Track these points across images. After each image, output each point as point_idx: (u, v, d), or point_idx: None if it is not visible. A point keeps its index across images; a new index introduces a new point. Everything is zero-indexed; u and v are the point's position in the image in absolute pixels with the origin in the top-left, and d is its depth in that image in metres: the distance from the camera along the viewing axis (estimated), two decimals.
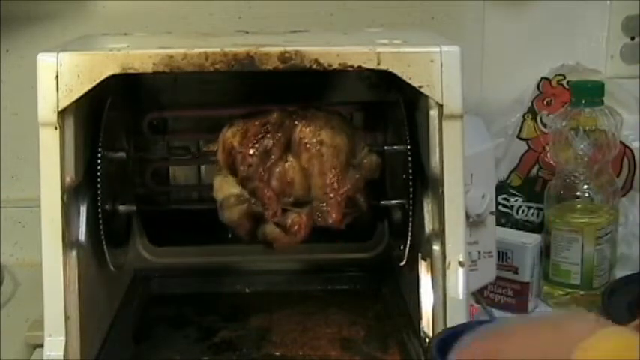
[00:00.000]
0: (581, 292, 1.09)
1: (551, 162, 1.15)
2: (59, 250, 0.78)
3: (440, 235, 0.81)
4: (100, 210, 0.87)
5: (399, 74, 0.79)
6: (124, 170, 1.00)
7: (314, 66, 0.79)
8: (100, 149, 0.87)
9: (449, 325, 0.79)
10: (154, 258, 1.11)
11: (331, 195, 0.89)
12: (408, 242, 0.91)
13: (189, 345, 0.95)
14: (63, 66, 0.77)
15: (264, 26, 1.16)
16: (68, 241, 0.79)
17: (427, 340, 0.83)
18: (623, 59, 1.29)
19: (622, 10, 1.28)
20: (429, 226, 0.85)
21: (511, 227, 1.17)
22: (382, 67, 0.79)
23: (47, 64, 0.78)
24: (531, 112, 1.23)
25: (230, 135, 0.91)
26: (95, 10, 1.21)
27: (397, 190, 0.96)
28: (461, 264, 0.80)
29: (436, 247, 0.82)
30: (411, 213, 0.90)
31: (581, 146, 1.08)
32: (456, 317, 0.80)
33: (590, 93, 1.08)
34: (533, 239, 1.09)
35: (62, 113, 0.78)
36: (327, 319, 1.00)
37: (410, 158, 0.89)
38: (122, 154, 0.96)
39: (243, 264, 1.09)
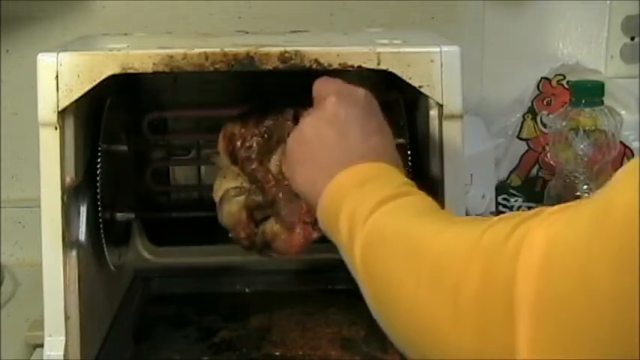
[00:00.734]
0: None
1: (551, 162, 1.15)
2: (59, 250, 0.78)
3: None
4: (100, 210, 0.87)
5: (399, 74, 0.79)
6: (124, 170, 1.00)
7: (314, 66, 0.79)
8: (100, 149, 0.87)
9: None
10: (154, 258, 1.11)
11: None
12: None
13: (189, 345, 0.95)
14: (63, 66, 0.77)
15: (264, 26, 1.16)
16: (68, 241, 0.79)
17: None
18: (623, 59, 1.29)
19: (622, 10, 1.28)
20: None
21: None
22: (382, 67, 0.79)
23: (47, 64, 0.77)
24: (531, 112, 1.23)
25: (230, 124, 0.91)
26: (95, 10, 1.20)
27: None
28: None
29: None
30: None
31: (581, 146, 1.08)
32: None
33: (590, 93, 1.08)
34: None
35: (62, 113, 0.78)
36: (327, 319, 1.00)
37: (409, 152, 0.89)
38: (124, 147, 0.96)
39: (243, 264, 1.09)
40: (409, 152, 0.89)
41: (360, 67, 0.79)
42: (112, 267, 0.92)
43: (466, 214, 0.84)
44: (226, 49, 0.78)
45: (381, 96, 1.01)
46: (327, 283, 1.09)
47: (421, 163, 0.86)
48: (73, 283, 0.79)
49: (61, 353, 0.78)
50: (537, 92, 1.24)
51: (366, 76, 1.02)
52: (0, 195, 1.22)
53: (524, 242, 0.45)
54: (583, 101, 1.08)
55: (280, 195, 0.89)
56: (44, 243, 0.78)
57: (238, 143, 0.90)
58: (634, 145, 1.19)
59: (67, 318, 0.78)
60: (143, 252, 1.11)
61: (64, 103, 0.77)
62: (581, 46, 1.29)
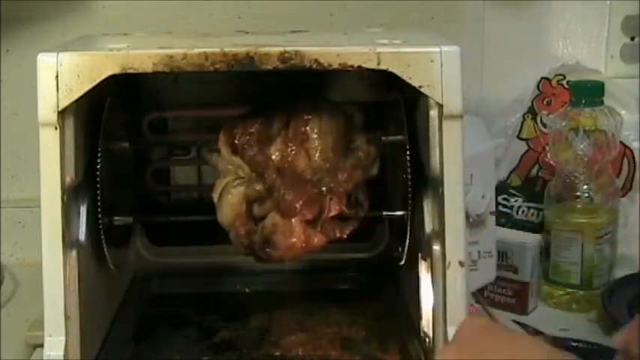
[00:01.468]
0: (581, 292, 1.09)
1: (551, 162, 1.15)
2: (59, 250, 0.78)
3: (440, 235, 0.81)
4: (99, 210, 0.87)
5: (399, 74, 0.79)
6: (124, 170, 1.00)
7: (314, 66, 0.79)
8: (99, 149, 0.87)
9: (449, 325, 0.80)
10: (153, 258, 1.11)
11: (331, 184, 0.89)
12: (407, 242, 0.91)
13: (189, 345, 0.95)
14: (63, 66, 0.77)
15: (264, 26, 1.16)
16: (68, 241, 0.79)
17: (427, 340, 0.83)
18: (623, 59, 1.29)
19: (622, 10, 1.28)
20: (429, 226, 0.85)
21: (511, 227, 1.17)
22: (382, 67, 0.79)
23: (47, 64, 0.77)
24: (531, 112, 1.23)
25: (231, 121, 0.92)
26: (95, 10, 1.21)
27: (397, 190, 0.96)
28: (461, 264, 0.80)
29: (436, 247, 0.82)
30: (410, 213, 0.90)
31: (581, 146, 1.08)
32: (456, 317, 0.80)
33: (590, 93, 1.08)
34: (533, 239, 1.09)
35: (62, 113, 0.78)
36: (327, 319, 1.00)
37: (408, 152, 0.89)
38: (124, 147, 0.96)
39: (243, 264, 1.09)
40: (409, 152, 0.89)
41: (360, 67, 0.79)
42: (112, 267, 0.92)
43: (466, 214, 0.84)
44: (226, 49, 0.78)
45: (381, 96, 1.02)
46: (327, 283, 1.09)
47: (421, 163, 0.86)
48: (73, 283, 0.79)
49: (61, 353, 0.78)
50: (537, 92, 1.24)
51: (366, 76, 1.02)
52: (0, 195, 1.22)
53: None
54: (583, 101, 1.08)
55: (280, 181, 0.88)
56: (44, 243, 0.78)
57: (239, 132, 0.90)
58: (634, 145, 1.19)
59: (67, 318, 0.78)
60: (143, 252, 1.11)
61: (64, 103, 0.77)
62: (581, 46, 1.29)
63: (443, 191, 0.80)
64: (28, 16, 1.20)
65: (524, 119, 1.23)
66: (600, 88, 1.09)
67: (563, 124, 1.09)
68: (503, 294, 1.09)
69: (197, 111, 1.07)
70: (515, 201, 1.20)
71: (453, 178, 0.80)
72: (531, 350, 0.66)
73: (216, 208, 0.93)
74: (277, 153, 0.89)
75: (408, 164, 0.89)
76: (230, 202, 0.91)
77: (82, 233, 0.83)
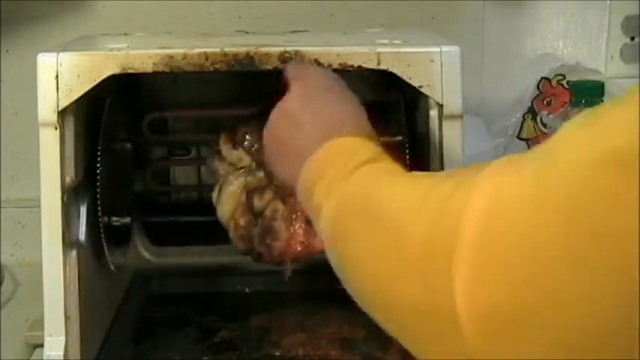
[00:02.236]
0: None
1: None
2: (59, 250, 0.78)
3: None
4: (99, 210, 0.87)
5: (399, 74, 0.79)
6: (124, 170, 1.00)
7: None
8: (99, 149, 0.87)
9: None
10: (154, 258, 1.11)
11: None
12: None
13: (189, 345, 0.95)
14: (63, 66, 0.77)
15: (264, 26, 1.16)
16: (68, 241, 0.79)
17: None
18: (623, 59, 1.29)
19: (622, 10, 1.28)
20: None
21: None
22: (382, 67, 0.79)
23: (47, 64, 0.77)
24: (531, 112, 1.23)
25: (230, 123, 0.92)
26: (95, 10, 1.20)
27: None
28: None
29: None
30: None
31: None
32: None
33: (590, 93, 1.08)
34: None
35: (62, 113, 0.78)
36: (327, 319, 1.00)
37: (409, 152, 0.89)
38: (124, 147, 0.96)
39: (243, 264, 1.09)
40: (408, 152, 0.89)
41: (360, 67, 0.79)
42: (112, 267, 0.92)
43: None
44: (226, 49, 0.78)
45: (381, 96, 1.02)
46: (327, 283, 1.09)
47: (421, 163, 0.86)
48: (73, 283, 0.79)
49: (61, 353, 0.78)
50: (537, 92, 1.24)
51: (366, 76, 1.02)
52: (0, 195, 1.22)
53: (468, 199, 0.45)
54: (583, 101, 1.08)
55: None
56: (44, 243, 0.78)
57: (238, 129, 0.91)
58: None
59: (67, 318, 0.78)
60: (143, 252, 1.11)
61: (64, 103, 0.77)
62: (581, 46, 1.29)
63: None
64: (28, 16, 1.20)
65: (524, 119, 1.23)
66: (600, 88, 1.09)
67: (563, 124, 1.09)
68: None
69: (197, 111, 1.07)
70: None
71: None
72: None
73: (215, 205, 0.92)
74: None
75: (409, 164, 0.89)
76: (230, 191, 0.91)
77: (82, 233, 0.83)
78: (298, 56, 0.78)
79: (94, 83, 0.77)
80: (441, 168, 0.80)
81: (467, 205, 0.45)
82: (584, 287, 0.40)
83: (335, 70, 0.79)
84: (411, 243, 0.48)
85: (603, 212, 0.40)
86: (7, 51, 1.21)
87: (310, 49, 0.79)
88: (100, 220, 0.87)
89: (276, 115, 0.73)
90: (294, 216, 0.88)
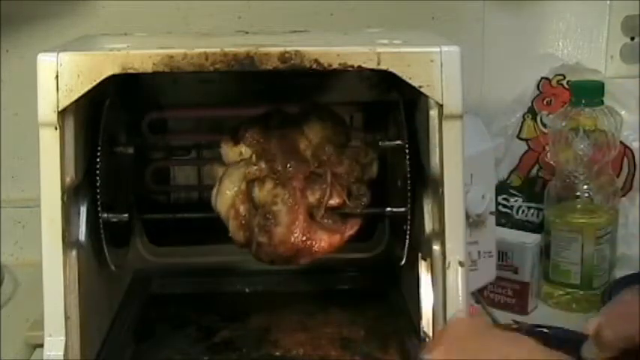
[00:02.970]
0: (581, 292, 1.09)
1: (551, 162, 1.15)
2: (59, 250, 0.78)
3: (440, 235, 0.81)
4: (99, 210, 0.87)
5: (399, 74, 0.79)
6: (124, 170, 1.00)
7: (314, 66, 0.79)
8: (99, 149, 0.87)
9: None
10: (153, 258, 1.11)
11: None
12: (407, 242, 0.91)
13: (189, 345, 0.95)
14: (63, 66, 0.77)
15: (264, 26, 1.16)
16: (68, 241, 0.79)
17: (427, 340, 0.83)
18: (623, 59, 1.29)
19: (622, 10, 1.28)
20: (429, 226, 0.85)
21: (511, 227, 1.17)
22: (382, 67, 0.79)
23: (47, 64, 0.77)
24: (531, 112, 1.23)
25: (231, 127, 0.92)
26: (95, 10, 1.21)
27: (397, 190, 0.96)
28: (461, 264, 0.80)
29: (436, 247, 0.82)
30: (410, 213, 0.90)
31: (581, 146, 1.08)
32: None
33: (590, 93, 1.08)
34: (533, 239, 1.09)
35: (62, 113, 0.78)
36: (327, 319, 1.00)
37: (408, 156, 0.89)
38: (124, 147, 0.96)
39: (243, 264, 1.09)
40: (408, 152, 0.89)
41: (360, 67, 0.79)
42: (112, 267, 0.92)
43: (466, 214, 0.84)
44: (226, 49, 0.78)
45: (381, 96, 1.02)
46: (327, 283, 1.09)
47: (421, 163, 0.86)
48: (73, 283, 0.79)
49: (61, 353, 0.78)
50: (537, 92, 1.24)
51: (366, 76, 1.02)
52: (0, 195, 1.23)
53: None
54: (583, 101, 1.08)
55: (281, 156, 0.89)
56: (44, 243, 0.78)
57: (239, 128, 0.92)
58: (634, 145, 1.19)
59: (67, 318, 0.78)
60: (143, 252, 1.11)
61: (64, 103, 0.77)
62: (581, 46, 1.29)
63: (443, 191, 0.80)
64: (28, 16, 1.20)
65: (524, 119, 1.23)
66: (600, 88, 1.09)
67: (563, 124, 1.09)
68: (503, 294, 1.09)
69: (197, 111, 1.07)
70: (515, 201, 1.20)
71: (453, 178, 0.80)
72: (517, 346, 0.66)
73: (214, 200, 0.92)
74: (277, 134, 0.91)
75: (408, 168, 0.89)
76: (230, 180, 0.91)
77: (82, 233, 0.83)
78: (298, 56, 0.78)
79: (94, 83, 0.77)
80: (441, 168, 0.80)
81: None
82: None
83: (335, 70, 0.79)
84: None
85: None
86: (7, 51, 1.21)
87: (310, 49, 0.79)
88: (100, 220, 0.87)
89: None
90: (296, 206, 0.88)
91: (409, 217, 0.91)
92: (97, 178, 0.86)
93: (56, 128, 0.77)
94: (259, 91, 0.99)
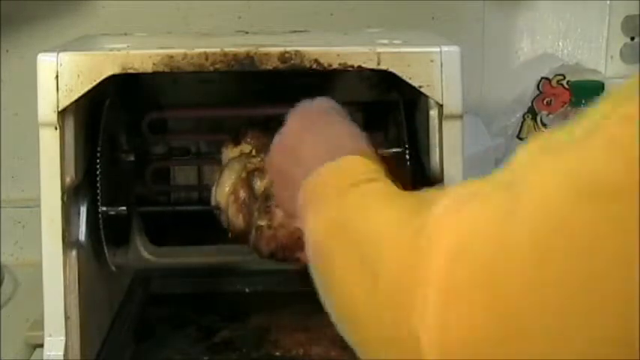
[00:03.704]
0: None
1: None
2: (59, 250, 0.78)
3: None
4: (99, 210, 0.87)
5: (399, 74, 0.79)
6: (124, 170, 1.00)
7: (314, 66, 0.79)
8: (99, 149, 0.87)
9: None
10: (154, 258, 1.11)
11: None
12: None
13: (189, 345, 0.95)
14: (63, 66, 0.77)
15: (264, 26, 1.16)
16: (68, 241, 0.79)
17: None
18: (623, 59, 1.29)
19: (622, 10, 1.28)
20: None
21: None
22: (382, 67, 0.79)
23: (47, 64, 0.77)
24: (531, 112, 1.23)
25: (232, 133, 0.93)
26: (95, 10, 1.21)
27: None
28: None
29: None
30: None
31: None
32: None
33: (590, 93, 1.08)
34: None
35: (62, 113, 0.78)
36: (327, 319, 1.00)
37: (409, 152, 0.89)
38: (124, 147, 0.96)
39: (243, 264, 1.09)
40: (408, 152, 0.89)
41: (360, 67, 0.79)
42: (112, 267, 0.92)
43: None
44: (226, 49, 0.78)
45: (381, 96, 1.02)
46: None
47: (421, 163, 0.86)
48: (73, 283, 0.79)
49: (61, 353, 0.78)
50: (537, 92, 1.24)
51: (366, 76, 1.02)
52: (0, 195, 1.22)
53: (435, 236, 0.45)
54: (583, 101, 1.08)
55: None
56: (44, 243, 0.78)
57: (243, 128, 0.92)
58: None
59: (67, 318, 0.78)
60: (143, 252, 1.11)
61: (64, 103, 0.77)
62: (581, 46, 1.29)
63: None
64: (28, 16, 1.20)
65: (524, 119, 1.23)
66: (600, 88, 1.09)
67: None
68: None
69: (197, 111, 1.07)
70: None
71: (452, 178, 0.80)
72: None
73: (213, 192, 0.92)
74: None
75: (409, 165, 0.89)
76: (231, 170, 0.91)
77: (82, 233, 0.83)
78: (298, 56, 0.78)
79: (94, 83, 0.77)
80: (441, 168, 0.80)
81: (433, 243, 0.45)
82: (552, 329, 0.39)
83: (335, 70, 0.79)
84: (384, 275, 0.49)
85: (574, 258, 0.38)
86: (7, 51, 1.21)
87: (310, 49, 0.79)
88: (100, 220, 0.87)
89: (276, 148, 0.73)
90: None
91: None
92: (97, 177, 0.86)
93: (56, 128, 0.77)
94: (259, 91, 0.99)
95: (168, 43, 0.82)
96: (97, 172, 0.86)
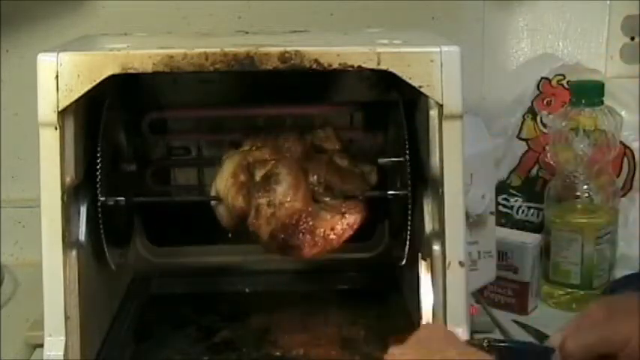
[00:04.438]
0: (581, 292, 1.09)
1: (551, 162, 1.15)
2: (59, 250, 0.78)
3: (440, 235, 0.81)
4: (99, 210, 0.87)
5: (399, 74, 0.79)
6: (124, 170, 1.00)
7: (314, 66, 0.79)
8: (99, 149, 0.87)
9: (449, 325, 0.80)
10: (154, 258, 1.11)
11: None
12: (408, 242, 0.91)
13: (189, 345, 0.95)
14: (63, 66, 0.77)
15: (264, 26, 1.16)
16: (68, 241, 0.79)
17: None
18: (623, 59, 1.29)
19: (622, 10, 1.28)
20: (429, 226, 0.85)
21: (511, 227, 1.17)
22: (382, 67, 0.79)
23: (47, 64, 0.78)
24: (531, 112, 1.23)
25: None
26: (95, 10, 1.21)
27: (397, 189, 0.96)
28: (461, 264, 0.80)
29: (436, 247, 0.82)
30: (410, 213, 0.90)
31: (581, 146, 1.08)
32: (456, 317, 0.80)
33: (590, 93, 1.08)
34: (533, 239, 1.09)
35: (62, 113, 0.78)
36: (327, 319, 1.00)
37: (409, 152, 0.89)
38: (124, 147, 0.96)
39: (243, 264, 1.09)
40: (408, 152, 0.89)
41: (360, 67, 0.79)
42: (112, 267, 0.92)
43: (466, 214, 0.84)
44: (226, 49, 0.78)
45: (381, 96, 1.02)
46: (327, 283, 1.09)
47: (421, 164, 0.86)
48: (73, 283, 0.79)
49: (61, 353, 0.78)
50: (537, 92, 1.24)
51: (366, 76, 1.02)
52: (0, 195, 1.22)
53: None
54: (583, 101, 1.08)
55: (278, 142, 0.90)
56: (44, 243, 0.78)
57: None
58: (634, 145, 1.19)
59: (67, 318, 0.78)
60: (143, 252, 1.11)
61: (64, 103, 0.77)
62: (581, 46, 1.29)
63: (443, 191, 0.80)
64: (28, 16, 1.20)
65: (524, 119, 1.23)
66: (600, 88, 1.09)
67: (563, 124, 1.09)
68: (503, 294, 1.09)
69: (197, 111, 1.07)
70: (515, 201, 1.20)
71: (453, 178, 0.80)
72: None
73: (214, 183, 0.92)
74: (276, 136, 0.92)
75: (409, 176, 0.89)
76: (231, 161, 0.91)
77: (82, 233, 0.83)
78: (298, 56, 0.78)
79: (94, 83, 0.78)
80: (441, 168, 0.80)
81: None
82: None
83: (335, 70, 0.79)
84: None
85: None
86: (7, 51, 1.21)
87: (310, 49, 0.79)
88: (100, 220, 0.87)
89: None
90: (297, 172, 0.89)
91: (409, 218, 0.91)
92: (97, 178, 0.86)
93: (56, 128, 0.77)
94: (259, 91, 0.99)
95: (169, 43, 0.82)
96: (98, 172, 0.86)
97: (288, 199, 0.88)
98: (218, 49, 0.78)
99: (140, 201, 1.02)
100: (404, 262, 0.94)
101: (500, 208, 1.19)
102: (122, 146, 0.99)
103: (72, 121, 0.79)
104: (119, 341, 0.93)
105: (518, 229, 1.16)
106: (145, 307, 1.04)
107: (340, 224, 0.90)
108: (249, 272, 1.09)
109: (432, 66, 0.78)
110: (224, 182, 0.91)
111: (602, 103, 1.08)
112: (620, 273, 1.12)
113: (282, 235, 0.89)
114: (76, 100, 0.78)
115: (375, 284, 1.08)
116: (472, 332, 0.82)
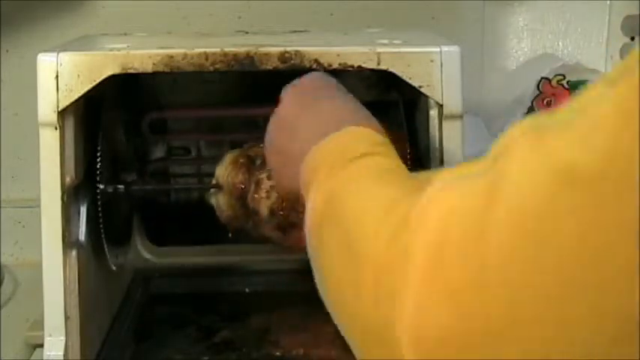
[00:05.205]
0: None
1: None
2: (59, 250, 0.78)
3: None
4: (99, 210, 0.87)
5: (399, 74, 0.79)
6: (124, 170, 1.00)
7: (314, 66, 0.79)
8: (99, 149, 0.87)
9: None
10: (154, 258, 1.11)
11: None
12: None
13: (189, 345, 0.95)
14: (63, 66, 0.77)
15: (264, 26, 1.16)
16: (68, 241, 0.79)
17: None
18: (623, 59, 1.29)
19: (622, 10, 1.28)
20: None
21: None
22: (382, 67, 0.79)
23: (47, 64, 0.78)
24: (531, 112, 1.23)
25: None
26: (95, 10, 1.20)
27: None
28: None
29: None
30: None
31: None
32: None
33: None
34: None
35: (62, 113, 0.78)
36: (327, 319, 1.00)
37: (409, 152, 0.89)
38: (124, 147, 0.96)
39: (243, 264, 1.09)
40: (408, 152, 0.89)
41: (360, 67, 0.79)
42: (112, 267, 0.92)
43: None
44: (226, 49, 0.78)
45: (381, 96, 1.02)
46: None
47: (421, 163, 0.86)
48: (73, 283, 0.79)
49: (61, 353, 0.78)
50: (537, 92, 1.24)
51: (366, 76, 1.02)
52: (0, 195, 1.22)
53: (420, 220, 0.44)
54: None
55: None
56: (44, 243, 0.78)
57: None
58: None
59: (67, 318, 0.78)
60: (143, 252, 1.11)
61: (64, 103, 0.77)
62: (581, 46, 1.29)
63: None
64: (27, 16, 1.20)
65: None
66: None
67: None
68: None
69: (197, 111, 1.07)
70: None
71: None
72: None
73: (215, 176, 0.92)
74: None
75: (409, 164, 0.89)
76: (231, 152, 0.91)
77: (82, 233, 0.83)
78: (298, 56, 0.78)
79: (94, 83, 0.78)
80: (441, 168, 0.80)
81: (414, 239, 0.43)
82: (540, 314, 0.38)
83: (335, 70, 0.79)
84: (367, 259, 0.47)
85: (557, 244, 0.38)
86: (7, 51, 1.21)
87: (310, 49, 0.79)
88: (100, 220, 0.87)
89: (273, 126, 0.72)
90: None
91: None
92: (97, 178, 0.86)
93: (56, 128, 0.77)
94: (259, 91, 0.99)
95: (169, 43, 0.82)
96: (97, 172, 0.86)
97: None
98: (218, 49, 0.78)
99: (139, 189, 1.01)
100: None
101: None
102: (122, 146, 0.99)
103: (72, 121, 0.79)
104: (119, 341, 0.93)
105: None
106: (145, 307, 1.04)
107: None
108: (249, 272, 1.09)
109: (432, 66, 0.78)
110: (224, 169, 0.91)
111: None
112: None
113: (282, 212, 0.88)
114: (76, 100, 0.78)
115: None
116: None
